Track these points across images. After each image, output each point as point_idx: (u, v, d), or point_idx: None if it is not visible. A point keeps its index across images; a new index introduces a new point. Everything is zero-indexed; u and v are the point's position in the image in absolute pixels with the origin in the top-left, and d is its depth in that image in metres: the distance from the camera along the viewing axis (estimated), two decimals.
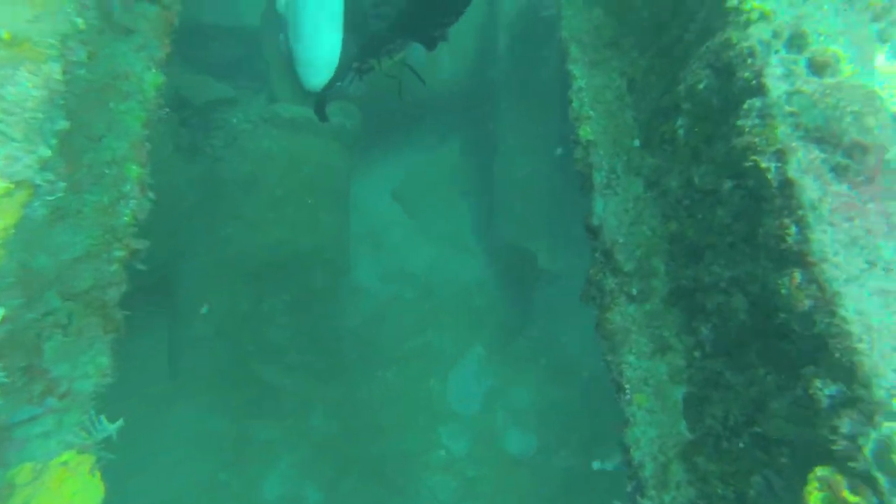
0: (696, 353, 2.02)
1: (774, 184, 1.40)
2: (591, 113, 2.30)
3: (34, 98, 1.02)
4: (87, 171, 1.51)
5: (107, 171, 1.53)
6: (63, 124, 1.08)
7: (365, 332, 5.87)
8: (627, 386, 1.99)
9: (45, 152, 1.01)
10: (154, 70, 1.67)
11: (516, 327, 6.50)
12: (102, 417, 1.35)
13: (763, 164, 1.41)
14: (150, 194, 1.69)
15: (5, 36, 1.05)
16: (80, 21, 1.14)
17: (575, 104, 2.35)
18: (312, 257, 5.38)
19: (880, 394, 1.24)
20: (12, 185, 0.97)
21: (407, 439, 5.71)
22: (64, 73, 1.08)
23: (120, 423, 1.35)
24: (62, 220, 1.48)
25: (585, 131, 2.29)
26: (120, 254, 1.53)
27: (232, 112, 5.29)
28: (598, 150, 2.25)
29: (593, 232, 2.19)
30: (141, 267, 1.63)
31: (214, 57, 6.22)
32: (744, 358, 1.86)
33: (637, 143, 2.23)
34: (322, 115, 2.27)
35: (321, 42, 1.87)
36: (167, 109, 1.73)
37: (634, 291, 2.03)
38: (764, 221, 1.50)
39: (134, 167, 1.58)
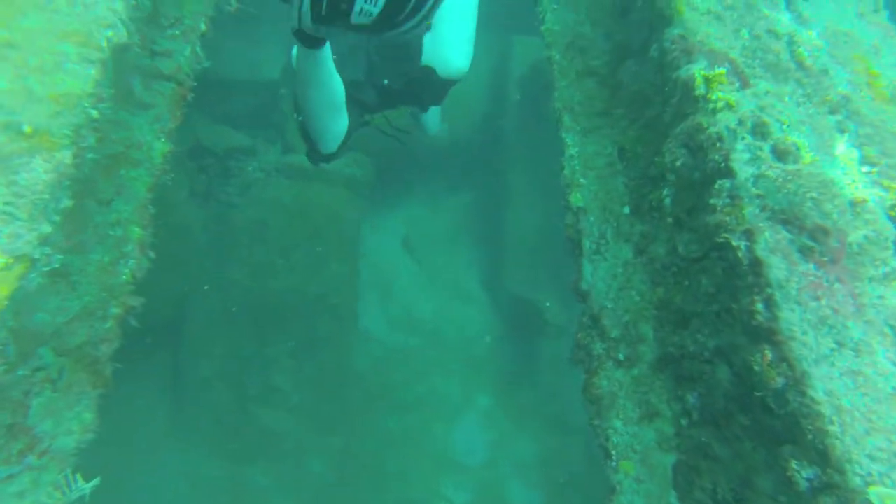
0: (684, 421, 2.00)
1: (745, 262, 1.44)
2: (583, 180, 2.37)
3: (44, 181, 1.13)
4: (93, 232, 1.61)
5: (111, 233, 1.63)
6: (67, 203, 1.18)
7: (370, 379, 5.85)
8: (614, 452, 1.97)
9: (47, 229, 1.10)
10: (163, 139, 1.81)
11: (521, 378, 6.43)
12: (77, 476, 1.38)
13: (734, 243, 1.45)
14: (151, 254, 1.78)
15: (27, 130, 1.18)
16: (94, 112, 1.26)
17: (567, 171, 2.43)
18: (319, 304, 5.45)
19: (855, 481, 1.23)
20: (11, 260, 1.05)
21: (409, 489, 5.60)
22: (74, 157, 1.19)
23: (96, 481, 1.37)
24: (65, 279, 1.56)
25: (576, 198, 2.36)
26: (116, 311, 1.60)
27: (248, 160, 5.51)
28: (588, 216, 2.31)
29: (582, 296, 2.22)
30: (134, 323, 1.70)
31: (235, 108, 6.53)
32: (730, 429, 1.85)
33: (627, 209, 2.28)
34: (315, 161, 2.38)
35: (332, 127, 2.03)
36: (172, 175, 1.85)
37: (621, 356, 2.04)
38: (738, 297, 1.53)
39: (136, 229, 1.68)
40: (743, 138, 1.46)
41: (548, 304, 6.02)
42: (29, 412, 1.46)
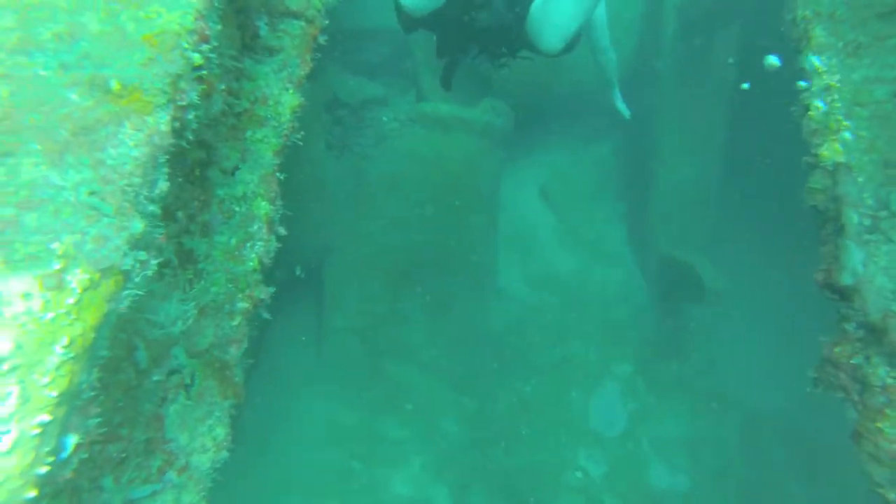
0: None
1: None
2: (847, 122, 1.59)
3: (134, 160, 0.75)
4: (217, 209, 1.28)
5: (237, 209, 1.28)
6: (164, 186, 0.80)
7: (507, 339, 5.48)
8: None
9: (138, 227, 0.73)
10: (292, 91, 1.39)
11: (669, 349, 5.67)
12: None
13: None
14: (282, 230, 1.42)
15: (115, 87, 0.79)
16: (196, 56, 0.86)
17: (815, 112, 1.65)
18: (456, 259, 5.09)
19: None
20: (98, 275, 0.69)
21: (542, 455, 5.25)
22: (173, 120, 0.80)
23: None
24: (193, 266, 1.25)
25: (834, 149, 1.59)
26: (243, 305, 1.27)
27: (382, 111, 5.16)
28: (855, 176, 1.54)
29: (843, 294, 1.51)
30: (267, 316, 1.37)
31: (368, 58, 6.22)
32: None
33: None
34: (447, 83, 2.36)
35: None
36: (303, 133, 1.45)
37: None
38: None
39: (263, 204, 1.32)
40: None
41: (705, 268, 5.13)
42: (164, 423, 1.19)
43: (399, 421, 5.05)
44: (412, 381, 5.11)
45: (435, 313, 5.13)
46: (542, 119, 5.82)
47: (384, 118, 5.07)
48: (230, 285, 1.26)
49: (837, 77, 1.62)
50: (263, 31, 1.52)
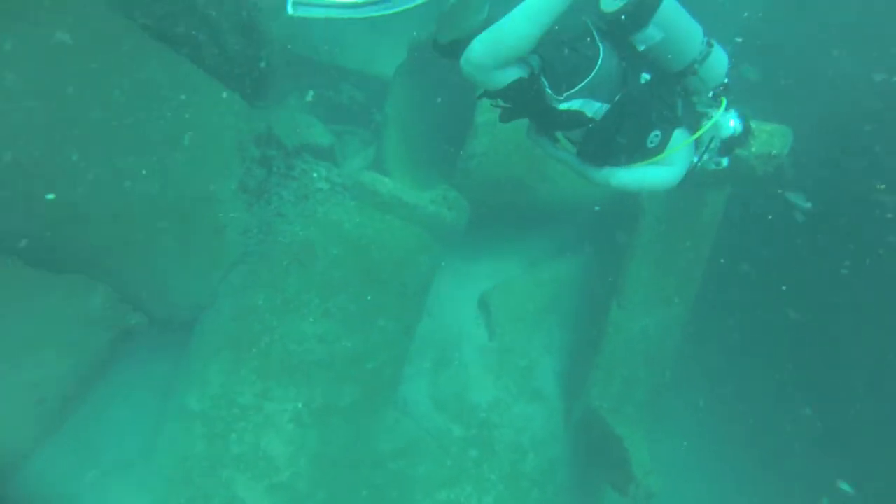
0: None
1: None
2: None
3: None
4: None
5: None
6: None
7: (389, 466, 3.94)
8: None
9: None
10: None
11: None
12: None
13: None
14: None
15: None
16: None
17: None
18: (351, 364, 3.61)
19: None
20: None
21: None
22: None
23: None
24: None
25: None
26: None
27: (317, 165, 3.74)
28: None
29: None
30: None
31: (341, 99, 4.95)
32: None
33: None
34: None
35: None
36: None
37: None
38: None
39: None
40: None
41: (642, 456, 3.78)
42: None
43: None
44: (256, 500, 3.50)
45: (306, 425, 3.60)
46: (504, 220, 4.50)
47: (315, 174, 3.66)
48: None
49: None
50: None
